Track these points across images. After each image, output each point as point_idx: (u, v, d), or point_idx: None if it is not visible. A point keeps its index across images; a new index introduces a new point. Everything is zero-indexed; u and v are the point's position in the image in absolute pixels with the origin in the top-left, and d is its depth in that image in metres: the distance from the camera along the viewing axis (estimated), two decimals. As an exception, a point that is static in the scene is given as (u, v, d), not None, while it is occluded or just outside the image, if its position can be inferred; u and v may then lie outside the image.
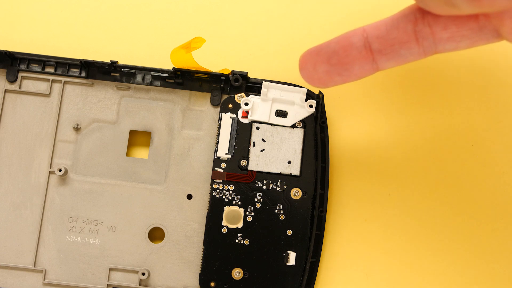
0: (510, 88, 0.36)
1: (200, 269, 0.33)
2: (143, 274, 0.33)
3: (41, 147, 0.35)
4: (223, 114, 0.34)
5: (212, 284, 0.33)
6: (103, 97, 0.35)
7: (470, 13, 0.22)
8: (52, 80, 0.35)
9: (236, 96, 0.34)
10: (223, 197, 0.34)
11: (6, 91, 0.35)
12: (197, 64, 0.34)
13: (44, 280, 0.34)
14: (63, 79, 0.35)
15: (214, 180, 0.34)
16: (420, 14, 0.24)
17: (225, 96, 0.35)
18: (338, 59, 0.26)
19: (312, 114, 0.34)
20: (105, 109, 0.35)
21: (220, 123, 0.34)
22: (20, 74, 0.35)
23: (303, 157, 0.34)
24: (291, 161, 0.34)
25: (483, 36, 0.24)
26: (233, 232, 0.33)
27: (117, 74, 0.35)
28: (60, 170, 0.34)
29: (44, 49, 0.37)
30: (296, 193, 0.34)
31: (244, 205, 0.33)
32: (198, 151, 0.35)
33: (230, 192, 0.34)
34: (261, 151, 0.34)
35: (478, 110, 0.36)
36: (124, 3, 0.38)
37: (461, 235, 0.35)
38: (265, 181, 0.34)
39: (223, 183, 0.34)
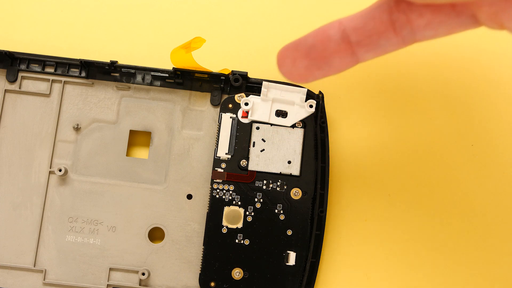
0: (511, 88, 0.36)
1: (200, 269, 0.33)
2: (143, 274, 0.33)
3: (41, 147, 0.35)
4: (223, 114, 0.34)
5: (212, 284, 0.33)
6: (103, 97, 0.35)
7: (447, 2, 0.22)
8: (52, 80, 0.35)
9: (236, 96, 0.34)
10: (223, 197, 0.34)
11: (6, 91, 0.35)
12: (197, 64, 0.34)
13: (44, 280, 0.34)
14: (63, 79, 0.35)
15: (214, 180, 0.34)
16: (394, 2, 0.24)
17: (225, 96, 0.35)
18: (317, 53, 0.25)
19: (312, 114, 0.34)
20: (105, 109, 0.35)
21: (220, 123, 0.34)
22: (20, 74, 0.35)
23: (303, 157, 0.34)
24: (291, 161, 0.34)
25: (461, 22, 0.24)
26: (233, 232, 0.33)
27: (117, 74, 0.35)
28: (60, 170, 0.34)
29: (44, 49, 0.37)
30: (296, 193, 0.34)
31: (244, 205, 0.33)
32: (198, 151, 0.35)
33: (230, 192, 0.34)
34: (261, 151, 0.34)
35: (478, 110, 0.36)
36: (124, 3, 0.38)
37: (461, 235, 0.35)
38: (265, 181, 0.34)
39: (223, 183, 0.34)
